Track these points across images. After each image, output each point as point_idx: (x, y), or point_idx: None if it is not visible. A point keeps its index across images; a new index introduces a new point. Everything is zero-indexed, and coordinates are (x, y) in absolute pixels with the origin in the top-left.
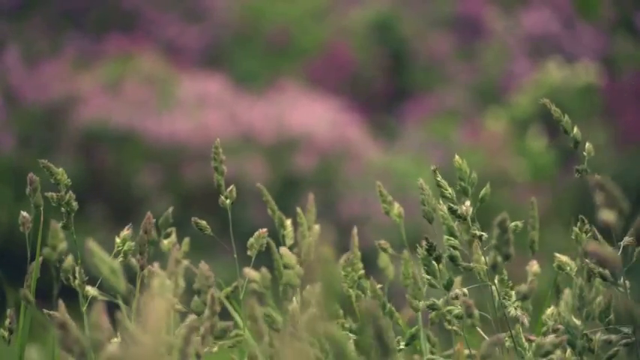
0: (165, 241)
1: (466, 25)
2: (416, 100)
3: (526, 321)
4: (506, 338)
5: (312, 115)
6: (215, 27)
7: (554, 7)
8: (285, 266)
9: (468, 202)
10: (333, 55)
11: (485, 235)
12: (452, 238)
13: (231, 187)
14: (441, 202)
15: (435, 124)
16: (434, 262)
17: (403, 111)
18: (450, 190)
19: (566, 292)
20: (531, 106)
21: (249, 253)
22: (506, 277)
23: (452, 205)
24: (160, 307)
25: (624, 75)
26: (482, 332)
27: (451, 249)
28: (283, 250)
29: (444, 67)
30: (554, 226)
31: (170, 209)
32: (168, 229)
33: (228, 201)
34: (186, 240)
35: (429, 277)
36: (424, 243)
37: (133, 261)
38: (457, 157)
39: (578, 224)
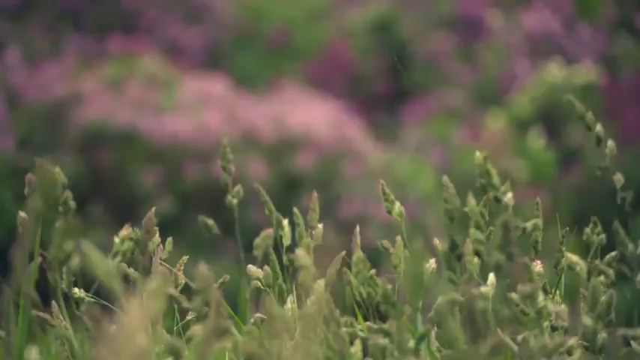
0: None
1: (466, 26)
2: (416, 100)
3: (565, 315)
4: (534, 335)
5: (312, 115)
6: (215, 27)
7: (554, 7)
8: (301, 267)
9: (510, 194)
10: (333, 55)
11: (527, 226)
12: (478, 233)
13: (237, 186)
14: (470, 195)
15: (435, 125)
16: (455, 260)
17: (403, 111)
18: (497, 178)
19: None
20: (531, 106)
21: (255, 252)
22: (535, 276)
23: (497, 194)
24: (138, 310)
25: (624, 75)
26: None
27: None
28: (299, 251)
29: (444, 68)
30: (554, 226)
31: (153, 209)
32: (153, 229)
33: (235, 200)
34: (170, 240)
35: (449, 271)
36: (442, 241)
37: (124, 266)
38: (478, 153)
39: (590, 226)
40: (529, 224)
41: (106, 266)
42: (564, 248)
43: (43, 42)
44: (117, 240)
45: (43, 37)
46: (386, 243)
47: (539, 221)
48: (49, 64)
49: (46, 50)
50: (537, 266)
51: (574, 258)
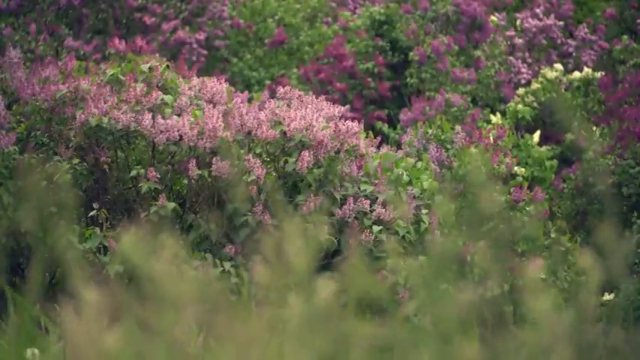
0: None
1: (466, 26)
2: (416, 100)
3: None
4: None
5: (311, 115)
6: (215, 27)
7: (554, 8)
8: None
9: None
10: (333, 56)
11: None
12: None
13: (242, 183)
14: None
15: (434, 125)
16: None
17: (403, 111)
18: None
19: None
20: (531, 105)
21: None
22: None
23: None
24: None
25: (624, 74)
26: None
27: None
28: (292, 252)
29: (444, 68)
30: (553, 224)
31: (153, 209)
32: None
33: (239, 197)
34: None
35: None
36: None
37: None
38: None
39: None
40: (529, 223)
41: (147, 265)
42: (569, 247)
43: (43, 42)
44: (123, 240)
45: (44, 36)
46: (387, 243)
47: (540, 221)
48: (49, 64)
49: (47, 50)
50: (537, 265)
51: (586, 261)
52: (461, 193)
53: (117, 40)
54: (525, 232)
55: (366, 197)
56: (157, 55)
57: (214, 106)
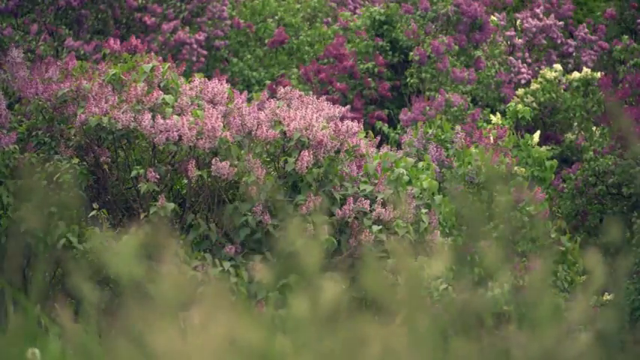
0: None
1: (466, 26)
2: (416, 100)
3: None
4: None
5: (311, 115)
6: (215, 27)
7: (554, 8)
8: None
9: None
10: (333, 56)
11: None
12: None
13: (247, 178)
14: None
15: (434, 125)
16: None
17: (403, 111)
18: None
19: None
20: (531, 105)
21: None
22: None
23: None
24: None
25: (624, 75)
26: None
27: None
28: (302, 248)
29: (444, 68)
30: (553, 223)
31: (152, 209)
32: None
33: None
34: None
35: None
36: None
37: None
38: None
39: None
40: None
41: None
42: (569, 247)
43: (44, 42)
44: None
45: (45, 36)
46: (387, 243)
47: (541, 220)
48: (50, 64)
49: (48, 50)
50: (537, 263)
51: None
52: (472, 191)
53: (112, 40)
54: (525, 232)
55: (366, 197)
56: (152, 54)
57: (214, 106)
